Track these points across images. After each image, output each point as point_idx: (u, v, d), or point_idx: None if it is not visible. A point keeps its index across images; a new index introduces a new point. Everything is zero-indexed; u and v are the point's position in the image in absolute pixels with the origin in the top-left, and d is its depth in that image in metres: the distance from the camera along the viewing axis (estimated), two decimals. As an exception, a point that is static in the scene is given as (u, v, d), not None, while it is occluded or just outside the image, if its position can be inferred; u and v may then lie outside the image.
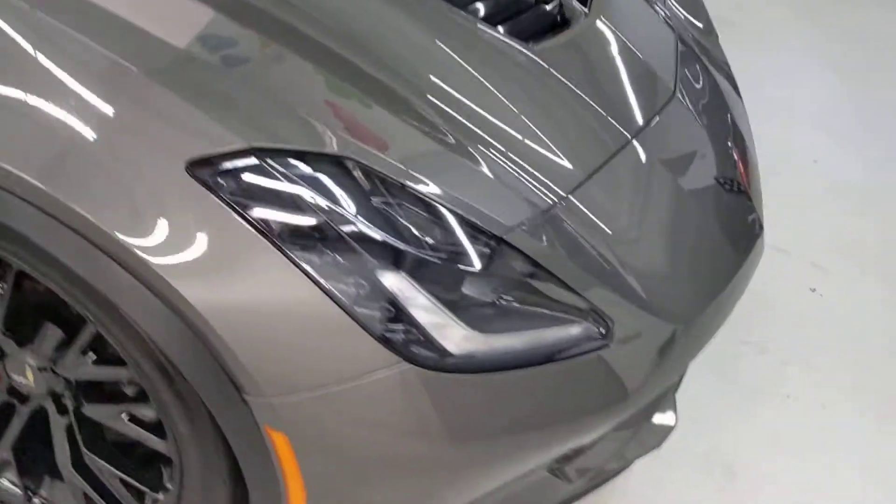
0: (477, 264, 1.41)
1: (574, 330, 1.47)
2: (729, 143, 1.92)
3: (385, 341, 1.32)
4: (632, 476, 2.03)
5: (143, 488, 1.64)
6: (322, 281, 1.30)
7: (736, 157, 1.91)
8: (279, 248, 1.29)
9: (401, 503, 1.51)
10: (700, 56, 2.12)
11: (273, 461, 1.40)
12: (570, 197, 1.58)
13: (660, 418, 1.92)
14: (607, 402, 1.53)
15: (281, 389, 1.33)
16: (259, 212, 1.29)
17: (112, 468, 1.63)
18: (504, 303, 1.44)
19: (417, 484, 1.48)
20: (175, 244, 1.28)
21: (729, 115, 2.02)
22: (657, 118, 1.82)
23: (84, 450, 1.61)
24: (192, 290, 1.28)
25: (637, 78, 1.90)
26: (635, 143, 1.73)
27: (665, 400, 1.91)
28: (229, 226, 1.29)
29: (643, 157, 1.73)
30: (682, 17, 2.22)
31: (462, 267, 1.40)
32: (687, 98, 1.91)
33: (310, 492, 1.45)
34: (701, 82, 2.03)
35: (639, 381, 1.56)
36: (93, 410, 1.58)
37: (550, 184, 1.57)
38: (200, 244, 1.29)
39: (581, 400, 1.51)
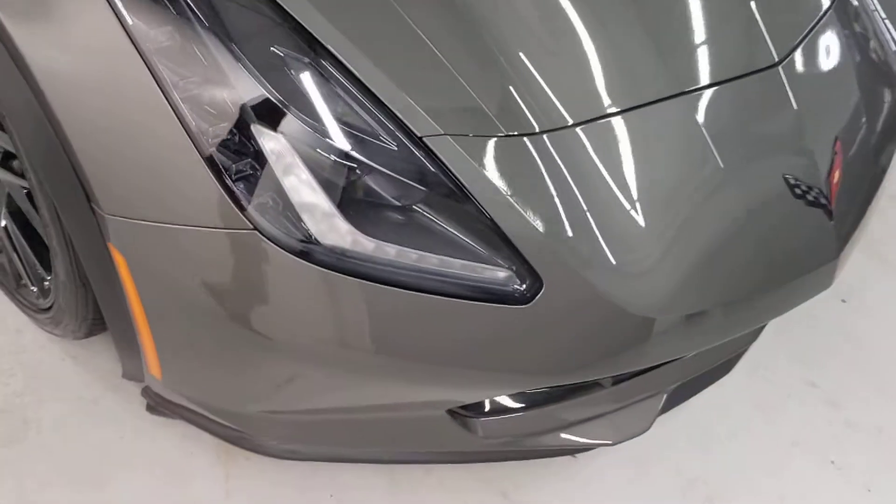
0: (373, 156, 1.24)
1: (487, 273, 1.28)
2: (832, 145, 1.56)
3: (235, 200, 1.22)
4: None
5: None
6: (186, 114, 1.20)
7: (835, 162, 1.54)
8: (141, 56, 1.23)
9: (232, 367, 1.41)
10: (865, 36, 1.75)
11: (117, 280, 1.38)
12: (578, 130, 1.36)
13: (643, 409, 1.68)
14: (501, 366, 1.34)
15: (125, 210, 1.29)
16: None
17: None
18: (412, 215, 1.26)
19: (246, 357, 1.38)
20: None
21: (856, 115, 1.65)
22: (730, 85, 1.51)
23: None
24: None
25: (735, 32, 1.58)
26: (678, 100, 1.45)
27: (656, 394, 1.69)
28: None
29: (682, 117, 1.45)
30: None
31: (356, 155, 1.24)
32: (797, 77, 1.57)
33: (154, 329, 1.42)
34: (838, 65, 1.66)
35: (555, 357, 1.35)
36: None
37: (551, 110, 1.36)
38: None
39: (468, 352, 1.32)
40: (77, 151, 1.30)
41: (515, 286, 1.29)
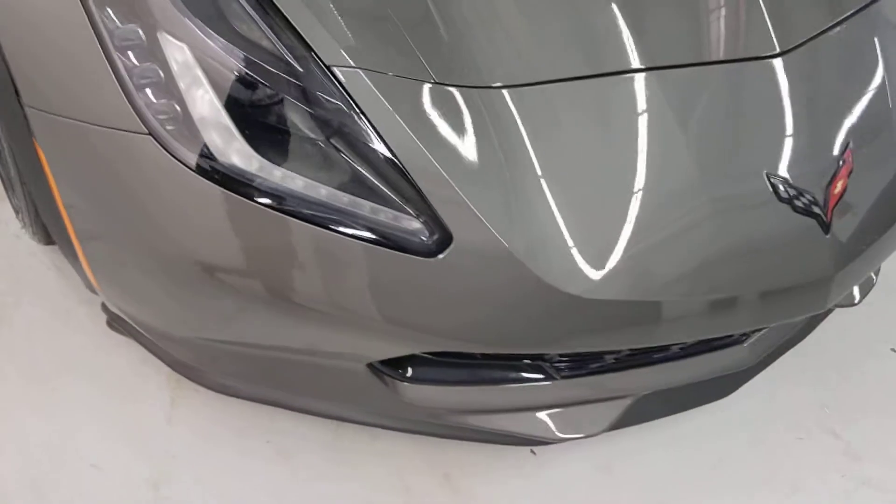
0: (281, 81, 1.21)
1: (395, 220, 1.23)
2: (839, 153, 1.41)
3: (133, 103, 1.22)
4: None
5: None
6: (95, 13, 1.21)
7: (840, 172, 1.39)
8: None
9: (146, 283, 1.42)
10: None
11: (45, 179, 1.41)
12: (504, 91, 1.29)
13: (600, 410, 1.59)
14: (405, 320, 1.28)
15: (44, 104, 1.32)
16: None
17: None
18: (323, 149, 1.23)
19: (153, 272, 1.38)
20: None
21: (882, 126, 1.49)
22: (711, 68, 1.40)
23: None
24: None
25: (731, 15, 1.46)
26: (642, 75, 1.35)
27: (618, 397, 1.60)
28: None
29: (644, 93, 1.35)
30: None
31: (261, 77, 1.21)
32: (804, 72, 1.44)
33: (78, 234, 1.44)
34: (865, 70, 1.52)
35: (465, 320, 1.28)
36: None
37: (495, 67, 1.30)
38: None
39: (368, 298, 1.27)
40: (3, 45, 1.35)
41: (424, 237, 1.24)
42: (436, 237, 1.24)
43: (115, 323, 1.68)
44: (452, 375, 1.49)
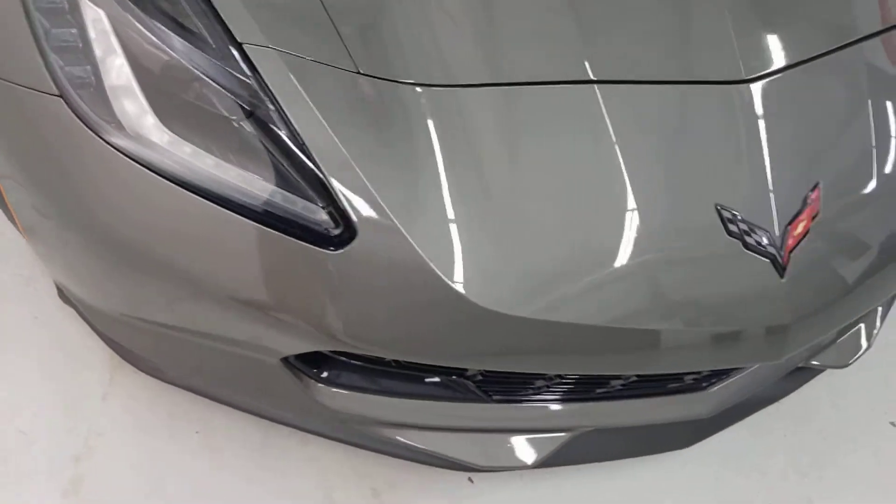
0: (195, 56, 1.19)
1: (299, 207, 1.19)
2: (806, 191, 1.31)
3: (48, 63, 1.21)
4: None
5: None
6: None
7: (803, 212, 1.30)
8: None
9: (59, 245, 1.39)
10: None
11: None
12: (451, 90, 1.25)
13: (534, 443, 1.51)
14: (301, 313, 1.23)
15: None
16: None
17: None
18: (236, 128, 1.20)
19: (61, 235, 1.35)
20: None
21: (861, 169, 1.38)
22: (662, 87, 1.32)
23: None
24: None
25: (697, 38, 1.38)
26: (589, 88, 1.29)
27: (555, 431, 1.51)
28: None
29: (579, 106, 1.28)
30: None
31: (174, 52, 1.19)
32: (770, 102, 1.34)
33: (7, 191, 1.42)
34: (845, 108, 1.41)
35: (366, 321, 1.22)
36: None
37: (429, 65, 1.26)
38: None
39: (264, 285, 1.22)
40: None
41: (327, 228, 1.19)
42: (341, 230, 1.19)
43: (65, 293, 1.69)
44: (371, 383, 1.44)
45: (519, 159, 1.25)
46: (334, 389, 1.43)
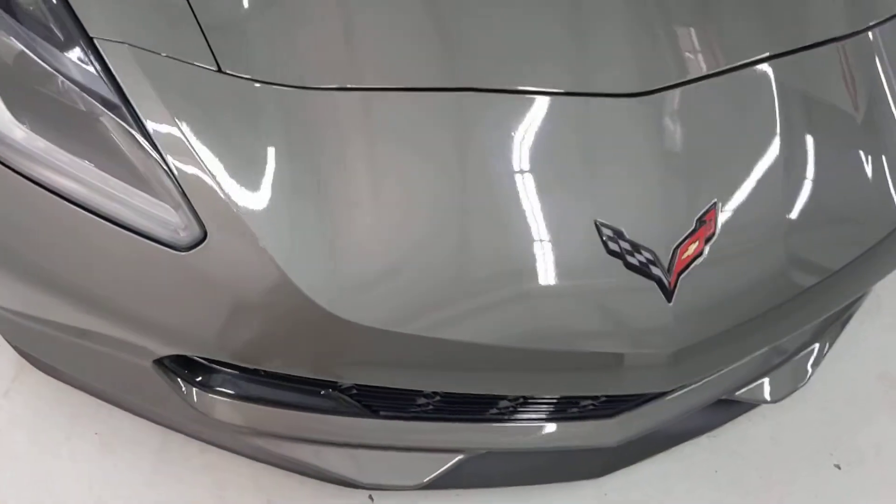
0: (46, 49, 1.17)
1: (148, 205, 1.17)
2: (701, 211, 1.25)
3: None
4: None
5: None
6: None
7: (697, 232, 1.24)
8: None
9: None
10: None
11: None
12: (312, 93, 1.22)
13: (420, 462, 1.48)
14: (149, 313, 1.21)
15: None
16: None
17: None
18: (92, 123, 1.17)
19: None
20: None
21: (769, 193, 1.31)
22: (542, 99, 1.27)
23: None
24: None
25: (592, 47, 1.33)
26: (467, 96, 1.25)
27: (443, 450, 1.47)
28: None
29: (466, 115, 1.24)
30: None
31: (22, 45, 1.18)
32: (668, 118, 1.29)
33: None
34: (755, 128, 1.35)
35: (216, 327, 1.19)
36: None
37: (292, 67, 1.24)
38: None
39: (111, 283, 1.21)
40: None
41: (177, 229, 1.16)
42: (190, 231, 1.16)
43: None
44: (247, 390, 1.41)
45: (383, 168, 1.21)
46: (210, 395, 1.40)
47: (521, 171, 1.24)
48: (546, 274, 1.21)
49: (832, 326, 1.73)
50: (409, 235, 1.19)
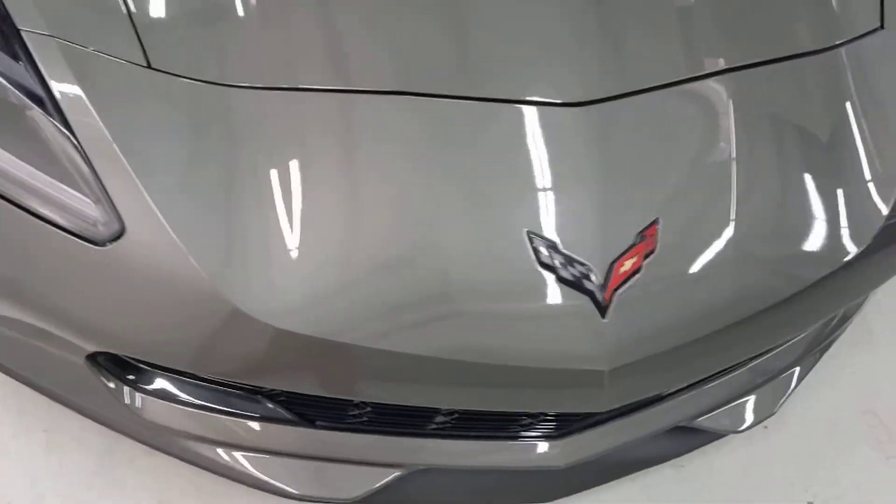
0: None
1: (68, 198, 1.16)
2: (641, 226, 1.21)
3: None
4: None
5: None
6: None
7: (635, 248, 1.19)
8: None
9: None
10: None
11: None
12: (229, 90, 1.20)
13: (357, 475, 1.44)
14: (67, 308, 1.21)
15: None
16: None
17: None
18: (19, 116, 1.17)
19: None
20: None
21: (717, 210, 1.26)
22: (493, 106, 1.24)
23: None
24: None
25: (539, 54, 1.29)
26: (398, 100, 1.22)
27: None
28: None
29: (395, 119, 1.22)
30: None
31: None
32: (609, 128, 1.25)
33: None
34: (703, 143, 1.29)
35: (134, 325, 1.18)
36: None
37: (225, 65, 1.22)
38: None
39: (32, 276, 1.22)
40: None
41: (96, 223, 1.15)
42: (108, 226, 1.15)
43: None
44: (178, 391, 1.39)
45: (307, 169, 1.18)
46: (141, 395, 1.38)
47: (453, 177, 1.20)
48: (474, 284, 1.17)
49: (809, 355, 1.67)
50: (332, 240, 1.16)
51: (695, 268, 1.24)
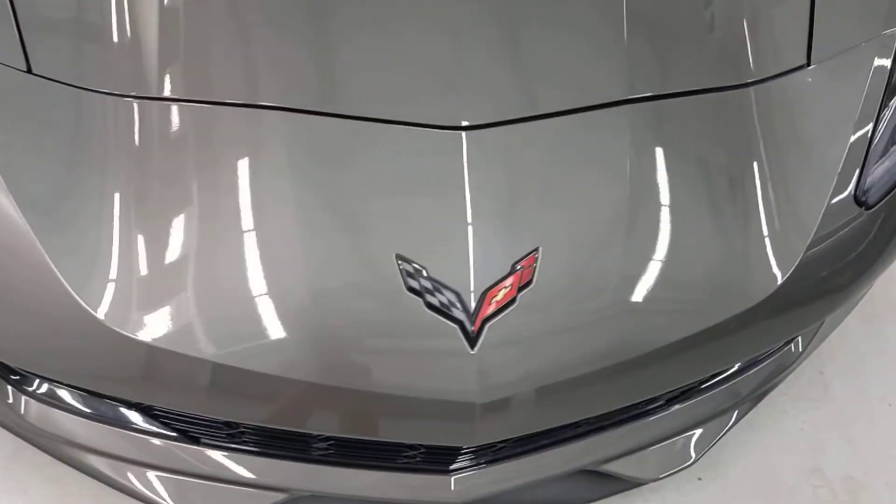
0: None
1: None
2: (521, 255, 1.18)
3: None
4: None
5: None
6: None
7: (511, 277, 1.16)
8: None
9: None
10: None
11: None
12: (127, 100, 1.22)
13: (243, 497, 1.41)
14: None
15: None
16: None
17: None
18: None
19: None
20: None
21: (586, 242, 1.23)
22: (371, 125, 1.23)
23: None
24: None
25: (430, 77, 1.28)
26: (279, 115, 1.22)
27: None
28: None
29: (271, 132, 1.22)
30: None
31: None
32: (492, 157, 1.23)
33: None
34: (593, 175, 1.27)
35: None
36: None
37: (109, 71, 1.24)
38: None
39: None
40: None
41: None
42: None
43: None
44: (61, 397, 1.38)
45: (171, 179, 1.19)
46: (25, 398, 1.38)
47: (323, 195, 1.19)
48: (339, 305, 1.16)
49: (737, 405, 1.60)
50: (191, 255, 1.16)
51: (575, 304, 1.21)
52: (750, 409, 1.64)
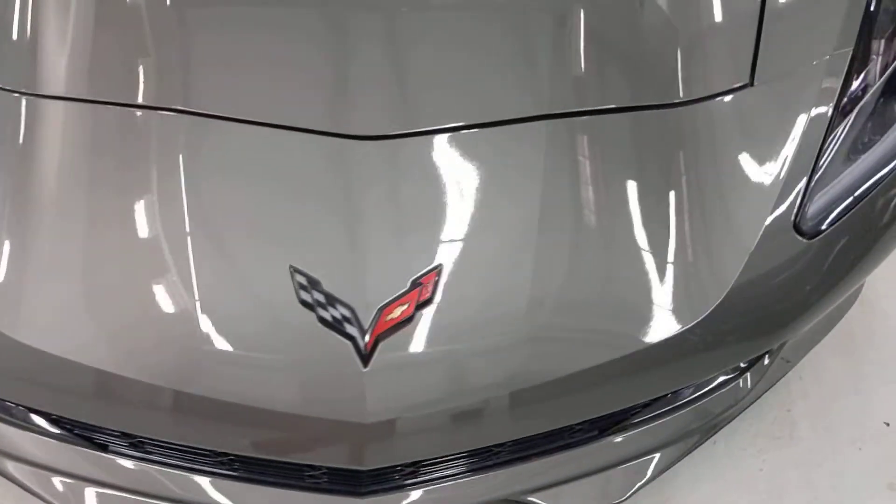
0: None
1: None
2: (419, 272, 1.14)
3: None
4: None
5: None
6: None
7: (407, 296, 1.13)
8: None
9: None
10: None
11: None
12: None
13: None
14: None
15: None
16: None
17: None
18: None
19: None
20: None
21: (497, 255, 1.19)
22: (269, 130, 1.21)
23: None
24: None
25: (354, 87, 1.25)
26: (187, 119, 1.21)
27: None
28: None
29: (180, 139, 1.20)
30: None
31: None
32: (395, 169, 1.20)
33: None
34: (500, 181, 1.23)
35: None
36: None
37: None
38: None
39: None
40: None
41: None
42: None
43: None
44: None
45: (79, 184, 1.18)
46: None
47: (213, 199, 1.17)
48: (228, 316, 1.13)
49: (683, 438, 1.53)
50: (75, 256, 1.15)
51: (477, 325, 1.16)
52: (699, 444, 1.56)
